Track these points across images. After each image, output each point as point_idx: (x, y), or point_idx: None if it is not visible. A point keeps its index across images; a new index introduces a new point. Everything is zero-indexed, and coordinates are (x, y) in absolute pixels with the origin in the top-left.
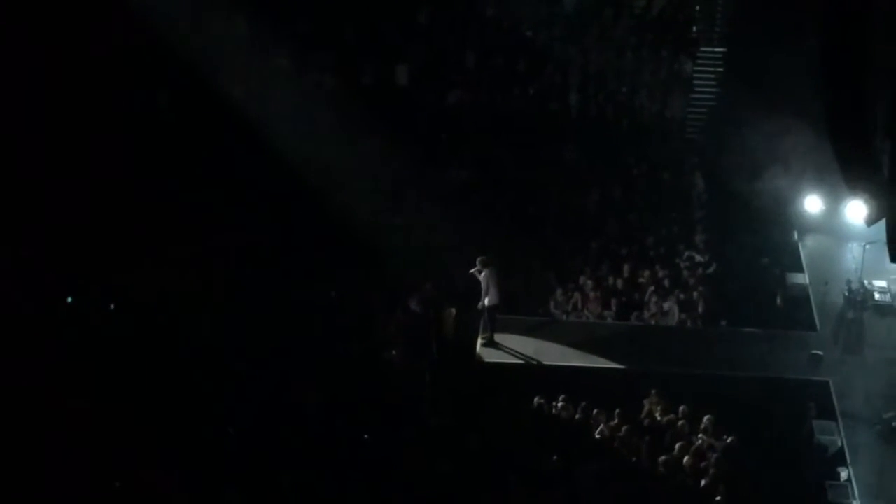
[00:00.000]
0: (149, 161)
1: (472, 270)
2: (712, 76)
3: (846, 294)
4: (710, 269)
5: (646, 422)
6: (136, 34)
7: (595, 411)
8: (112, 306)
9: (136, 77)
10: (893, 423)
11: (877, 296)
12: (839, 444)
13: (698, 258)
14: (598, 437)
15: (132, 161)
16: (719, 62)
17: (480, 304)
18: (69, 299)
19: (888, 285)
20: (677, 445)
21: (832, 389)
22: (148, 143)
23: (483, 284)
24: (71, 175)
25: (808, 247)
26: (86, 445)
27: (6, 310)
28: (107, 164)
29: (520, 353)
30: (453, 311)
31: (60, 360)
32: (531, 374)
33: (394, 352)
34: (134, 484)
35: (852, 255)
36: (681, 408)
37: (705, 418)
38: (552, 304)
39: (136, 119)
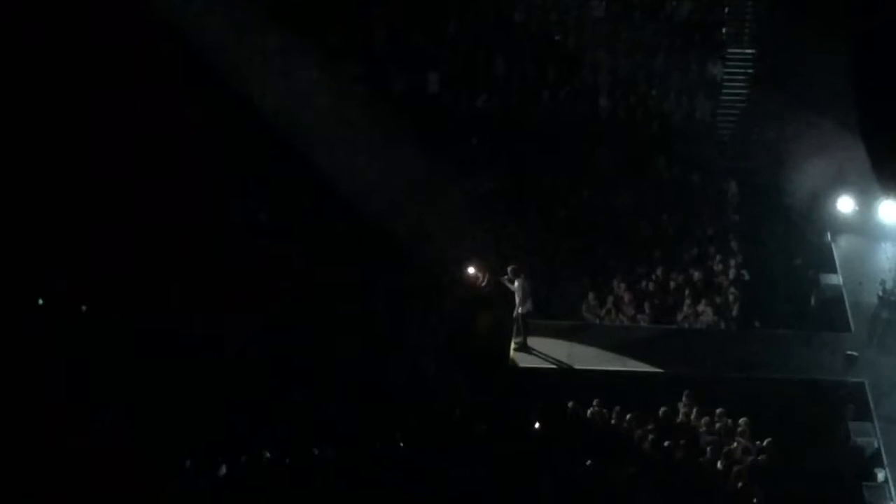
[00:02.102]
0: (179, 169)
1: (503, 279)
2: (742, 78)
3: (880, 294)
4: (744, 271)
5: (680, 425)
6: (167, 44)
7: (629, 415)
8: (84, 308)
9: (164, 86)
10: None
11: None
12: (876, 445)
13: (731, 260)
14: (632, 440)
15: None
16: (749, 63)
17: (515, 312)
18: (40, 301)
19: None
20: (712, 449)
21: (868, 390)
22: (180, 151)
23: (518, 294)
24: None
25: (841, 247)
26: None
27: None
28: (131, 166)
29: (553, 358)
30: (486, 316)
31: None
32: (565, 379)
33: (429, 358)
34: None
35: (886, 254)
36: (717, 411)
37: (741, 421)
38: (585, 307)
39: (170, 127)
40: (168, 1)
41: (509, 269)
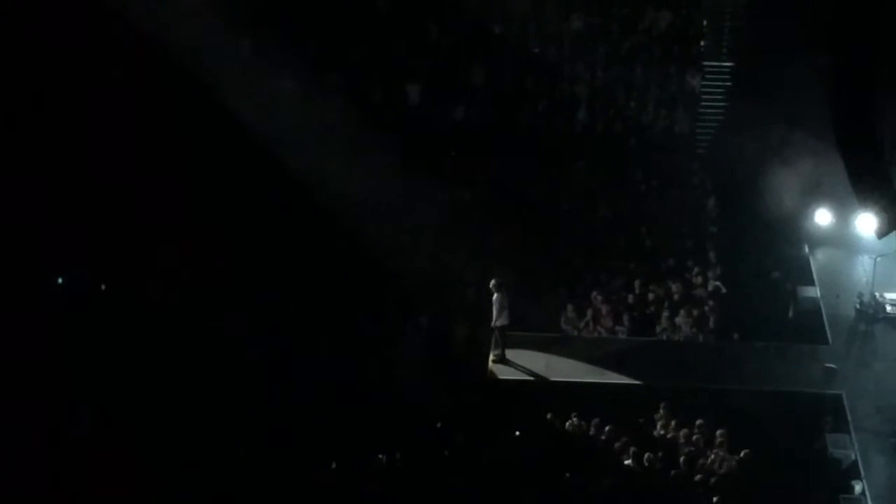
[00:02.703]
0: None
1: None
2: (720, 91)
3: (858, 307)
4: (720, 283)
5: (658, 437)
6: (140, 51)
7: (608, 427)
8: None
9: (138, 93)
10: None
11: (888, 308)
12: (853, 457)
13: (709, 273)
14: (610, 453)
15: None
16: (727, 77)
17: (493, 323)
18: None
19: None
20: (689, 461)
21: (845, 402)
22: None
23: (495, 306)
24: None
25: (818, 260)
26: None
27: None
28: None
29: (532, 370)
30: (465, 328)
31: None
32: (543, 391)
33: (406, 369)
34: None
35: (863, 267)
36: (697, 422)
37: (718, 433)
38: (563, 320)
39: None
40: (142, 6)
41: (492, 281)
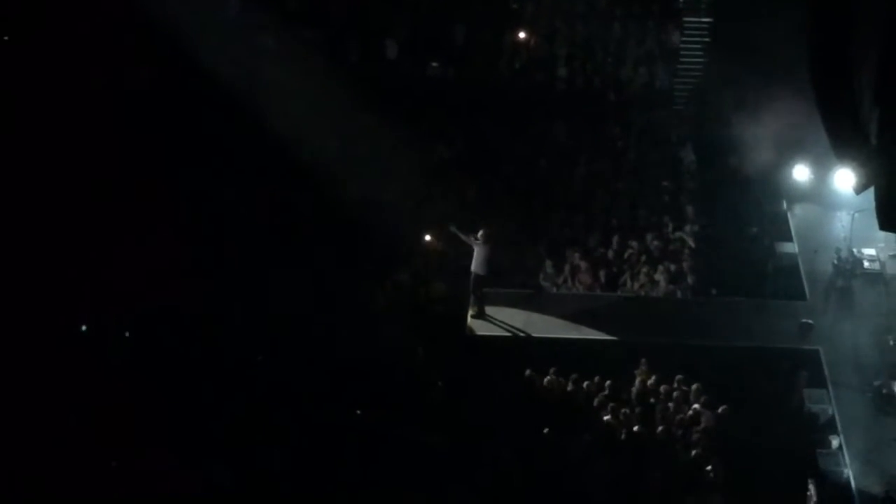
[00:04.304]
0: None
1: (470, 237)
2: (699, 46)
3: (835, 262)
4: (700, 239)
5: (636, 393)
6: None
7: (586, 383)
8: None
9: (121, 57)
10: (884, 391)
11: (866, 264)
12: (830, 412)
13: (687, 228)
14: (588, 408)
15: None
16: (706, 32)
17: (472, 274)
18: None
19: (877, 253)
20: (668, 416)
21: (822, 358)
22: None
23: (476, 253)
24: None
25: (797, 216)
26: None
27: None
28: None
29: (510, 326)
30: (442, 284)
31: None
32: (522, 347)
33: (385, 327)
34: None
35: (841, 223)
36: (676, 377)
37: (695, 388)
38: (541, 276)
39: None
40: None
41: (482, 230)
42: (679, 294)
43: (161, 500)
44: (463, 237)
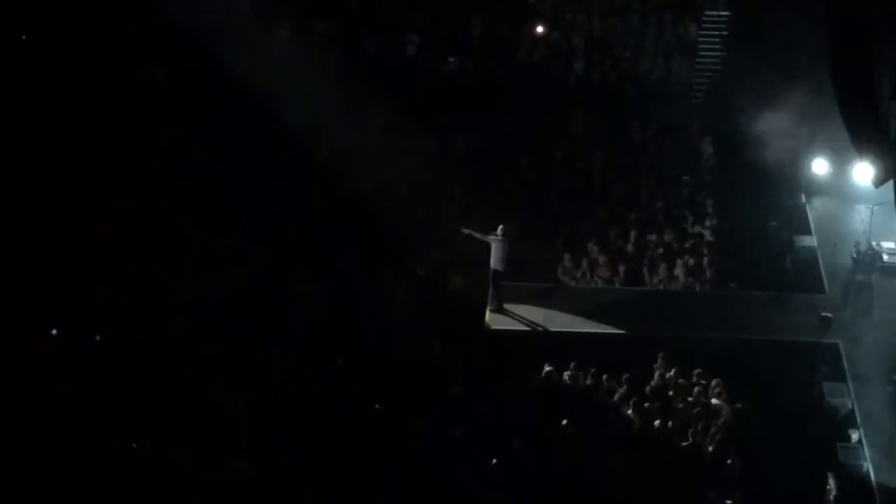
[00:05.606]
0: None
1: (488, 234)
2: (717, 40)
3: (854, 256)
4: (718, 233)
5: (655, 387)
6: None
7: (605, 377)
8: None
9: (135, 52)
10: None
11: (885, 257)
12: (850, 405)
13: (707, 222)
14: (607, 402)
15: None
16: (724, 26)
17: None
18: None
19: None
20: (687, 410)
21: (842, 351)
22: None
23: (494, 249)
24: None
25: (815, 209)
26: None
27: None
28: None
29: (529, 321)
30: (461, 279)
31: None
32: (540, 341)
33: (403, 321)
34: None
35: (860, 216)
36: (695, 371)
37: (714, 382)
38: (560, 270)
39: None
40: None
41: (500, 227)
42: (698, 288)
43: (180, 490)
44: (478, 236)
